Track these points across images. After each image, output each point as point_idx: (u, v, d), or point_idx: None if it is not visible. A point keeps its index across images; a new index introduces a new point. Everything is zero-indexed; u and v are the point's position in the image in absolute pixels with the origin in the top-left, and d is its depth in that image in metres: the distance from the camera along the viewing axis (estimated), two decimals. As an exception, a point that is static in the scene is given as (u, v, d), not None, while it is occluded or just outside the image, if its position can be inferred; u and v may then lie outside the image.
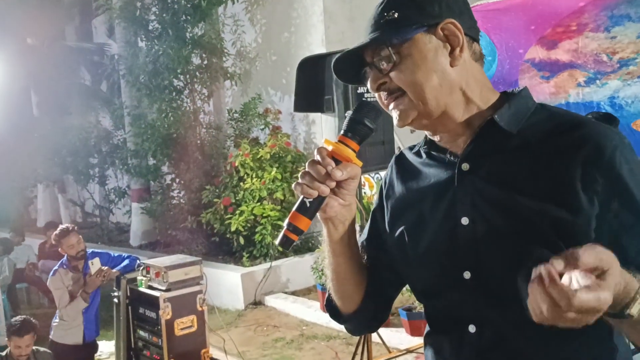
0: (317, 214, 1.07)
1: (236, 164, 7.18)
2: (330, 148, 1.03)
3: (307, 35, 7.58)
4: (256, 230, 6.93)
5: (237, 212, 7.05)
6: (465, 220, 1.05)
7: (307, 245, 7.55)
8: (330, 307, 1.28)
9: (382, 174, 6.02)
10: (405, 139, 6.62)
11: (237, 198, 7.22)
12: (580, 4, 3.84)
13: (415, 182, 1.16)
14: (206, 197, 7.51)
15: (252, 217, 6.94)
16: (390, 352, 3.99)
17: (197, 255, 7.55)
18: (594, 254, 0.79)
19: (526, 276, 0.84)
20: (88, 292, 3.99)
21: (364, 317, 1.26)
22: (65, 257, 4.17)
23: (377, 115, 1.07)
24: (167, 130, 8.02)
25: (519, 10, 4.17)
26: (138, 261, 4.05)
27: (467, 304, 1.05)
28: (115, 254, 4.36)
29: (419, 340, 4.42)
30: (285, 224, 1.03)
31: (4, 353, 3.63)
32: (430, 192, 1.12)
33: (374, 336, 4.07)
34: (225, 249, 7.56)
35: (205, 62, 8.11)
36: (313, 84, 3.60)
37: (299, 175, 1.04)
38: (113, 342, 4.19)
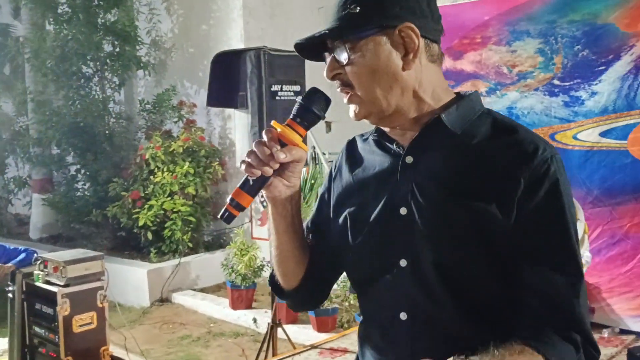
0: (263, 192, 1.12)
1: (146, 157, 6.98)
2: (278, 130, 1.07)
3: (226, 30, 7.50)
4: (166, 225, 6.77)
5: (146, 206, 6.85)
6: (403, 210, 1.09)
7: (218, 242, 7.47)
8: (273, 283, 1.32)
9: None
10: (319, 137, 6.71)
11: (146, 192, 7.02)
12: (485, 17, 4.06)
13: (361, 170, 1.21)
14: (113, 189, 7.25)
15: (162, 212, 6.77)
16: (295, 347, 4.04)
17: (102, 250, 7.27)
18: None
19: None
20: None
21: (304, 295, 1.30)
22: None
23: (326, 103, 1.12)
24: (73, 119, 7.66)
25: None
26: (35, 255, 3.86)
27: (400, 292, 1.10)
28: (11, 247, 4.14)
29: (325, 336, 4.50)
30: (228, 199, 1.08)
31: None
32: (374, 180, 1.16)
33: (280, 333, 4.10)
34: (133, 244, 7.33)
35: (118, 49, 7.82)
36: (227, 79, 3.58)
37: (246, 153, 1.08)
38: (7, 339, 3.96)
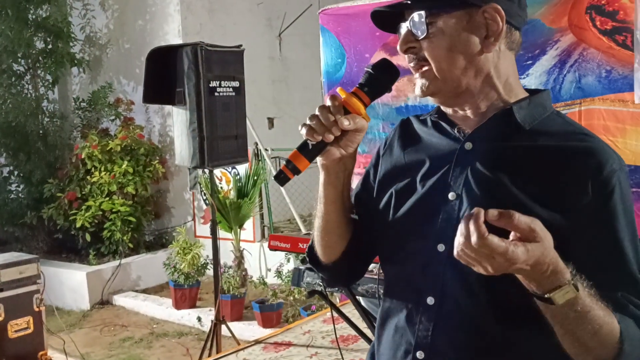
0: (317, 159, 1.09)
1: (83, 156, 6.79)
2: (343, 97, 1.04)
3: (163, 25, 7.36)
4: (105, 226, 6.61)
5: (84, 207, 6.67)
6: (452, 196, 1.06)
7: (160, 242, 7.35)
8: (311, 255, 1.28)
9: (239, 168, 6.01)
10: (262, 133, 6.69)
11: (83, 192, 6.83)
12: (420, 14, 4.15)
13: (414, 149, 1.17)
14: (48, 190, 7.02)
15: (100, 212, 6.61)
16: (239, 344, 4.04)
17: (38, 253, 7.03)
18: (530, 221, 0.86)
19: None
20: None
21: (341, 270, 1.27)
22: None
23: (395, 75, 1.09)
24: (4, 118, 7.35)
25: (365, 16, 4.42)
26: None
27: (432, 276, 1.07)
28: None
29: (270, 331, 4.52)
30: (284, 161, 1.05)
31: None
32: (427, 161, 1.13)
33: (225, 330, 4.09)
34: (70, 246, 7.11)
35: (50, 46, 7.55)
36: (163, 75, 3.53)
37: (308, 117, 1.04)
38: None
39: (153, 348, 5.29)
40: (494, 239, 0.84)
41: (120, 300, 6.42)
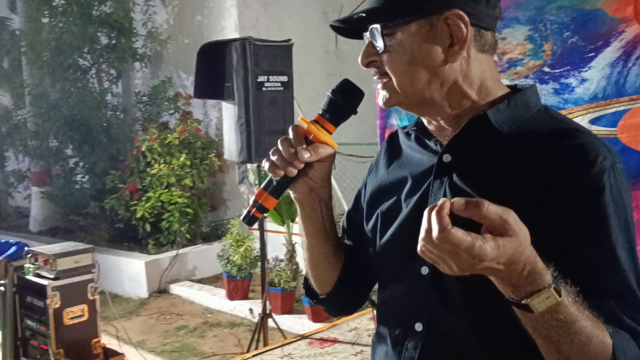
0: (291, 193, 1.06)
1: (143, 149, 6.99)
2: (305, 127, 1.00)
3: (220, 20, 7.47)
4: (163, 217, 6.79)
5: (144, 198, 6.87)
6: None
7: (215, 233, 7.49)
8: (306, 287, 1.24)
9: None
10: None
11: (143, 184, 7.04)
12: (474, 5, 4.02)
13: (397, 166, 1.11)
14: (111, 182, 7.28)
15: (159, 203, 6.79)
16: (285, 338, 4.06)
17: (100, 242, 7.32)
18: (501, 211, 0.76)
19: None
20: None
21: (339, 300, 1.22)
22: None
23: (358, 96, 1.02)
24: (70, 111, 7.67)
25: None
26: (26, 248, 3.88)
27: (419, 301, 1.00)
28: (2, 241, 4.16)
29: (319, 326, 4.52)
30: (251, 201, 1.00)
31: None
32: (409, 179, 1.05)
33: (271, 323, 4.12)
34: (130, 235, 7.36)
35: (114, 41, 7.81)
36: (214, 70, 3.56)
37: (270, 151, 1.00)
38: (-1, 332, 4.00)
39: (206, 337, 5.39)
40: (458, 232, 0.75)
41: (176, 289, 6.59)
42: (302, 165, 0.99)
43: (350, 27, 1.03)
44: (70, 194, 7.92)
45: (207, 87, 3.61)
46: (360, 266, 1.16)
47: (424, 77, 0.95)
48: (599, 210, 0.89)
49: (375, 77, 1.02)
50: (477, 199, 0.77)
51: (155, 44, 8.25)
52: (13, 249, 3.97)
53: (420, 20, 0.94)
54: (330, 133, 1.01)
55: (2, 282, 3.80)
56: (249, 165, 6.21)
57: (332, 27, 1.04)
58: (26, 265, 3.67)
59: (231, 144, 3.65)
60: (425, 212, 0.78)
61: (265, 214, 1.01)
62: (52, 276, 3.52)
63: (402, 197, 1.05)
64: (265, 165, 1.00)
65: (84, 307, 3.62)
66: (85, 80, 7.93)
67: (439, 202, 0.77)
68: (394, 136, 1.16)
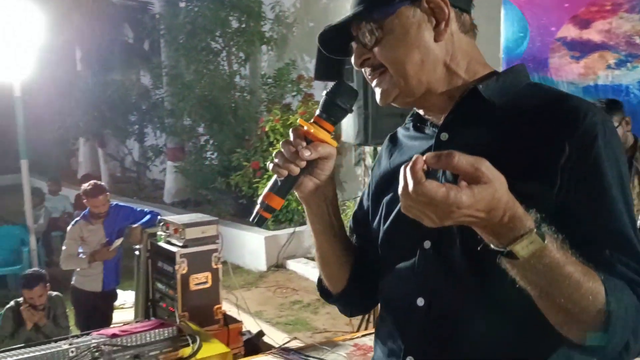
0: (296, 193, 1.09)
1: (266, 129, 7.27)
2: (304, 128, 1.04)
3: (345, 3, 7.47)
4: (282, 195, 7.02)
5: (265, 176, 7.16)
6: None
7: (332, 213, 7.62)
8: (320, 287, 1.26)
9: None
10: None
11: (266, 162, 7.31)
12: (616, -18, 3.72)
13: (399, 156, 1.14)
14: (236, 159, 7.65)
15: (279, 182, 7.02)
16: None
17: (225, 215, 7.74)
18: (473, 160, 0.78)
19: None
20: (96, 259, 4.23)
21: (352, 299, 1.24)
22: (87, 210, 4.37)
23: (351, 96, 1.06)
24: (202, 92, 8.14)
25: (552, -13, 4.05)
26: (159, 217, 4.19)
27: (421, 276, 1.03)
28: (138, 209, 4.53)
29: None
30: (258, 202, 1.05)
31: (13, 303, 3.85)
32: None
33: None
34: (252, 211, 7.68)
35: (243, 25, 8.14)
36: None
37: (274, 154, 1.04)
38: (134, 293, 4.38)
39: (319, 314, 5.55)
40: (432, 184, 0.77)
41: (292, 265, 6.82)
42: (303, 164, 1.02)
43: (335, 42, 1.08)
44: (200, 170, 8.43)
45: (328, 69, 3.65)
46: (370, 265, 1.17)
47: (417, 58, 1.00)
48: (592, 160, 0.91)
49: (369, 77, 1.06)
50: (449, 151, 0.79)
51: (282, 28, 8.49)
52: (148, 217, 4.32)
53: (405, 6, 1.00)
54: (329, 132, 1.04)
55: (138, 246, 4.15)
56: (365, 148, 6.22)
57: (318, 40, 1.10)
58: (158, 233, 3.97)
59: (349, 126, 3.68)
60: (401, 170, 0.80)
61: (272, 214, 1.05)
62: (180, 244, 3.78)
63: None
64: (270, 166, 1.03)
65: (208, 274, 3.84)
66: (216, 62, 8.35)
67: (413, 159, 0.79)
68: (393, 134, 1.21)
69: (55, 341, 2.84)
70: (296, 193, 1.09)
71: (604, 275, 0.85)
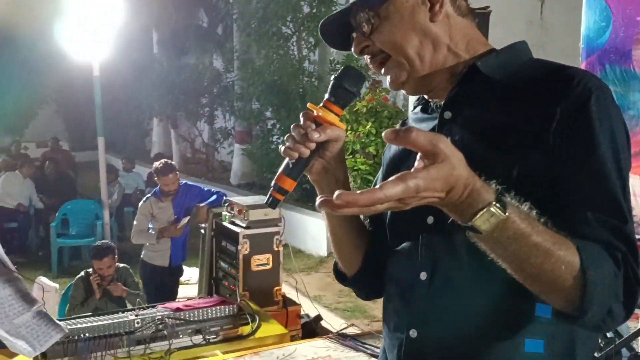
0: (308, 176, 1.13)
1: (333, 115, 7.27)
2: (314, 112, 1.07)
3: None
4: (346, 182, 7.03)
5: (330, 162, 7.17)
6: None
7: (395, 202, 7.57)
8: (336, 270, 1.30)
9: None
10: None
11: (331, 148, 7.35)
12: None
13: None
14: (302, 144, 7.70)
15: (343, 169, 7.03)
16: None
17: (288, 199, 7.83)
18: (431, 137, 0.78)
19: None
20: (164, 236, 4.38)
21: (366, 282, 1.26)
22: (158, 187, 4.53)
23: (358, 80, 1.09)
24: (271, 77, 8.23)
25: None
26: (224, 198, 4.30)
27: (424, 250, 1.05)
28: (206, 189, 4.66)
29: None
30: (272, 184, 1.08)
31: (83, 273, 4.05)
32: None
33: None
34: (316, 196, 7.72)
35: (314, 10, 8.16)
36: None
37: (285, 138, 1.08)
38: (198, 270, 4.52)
39: (377, 302, 5.43)
40: (389, 191, 0.75)
41: (353, 252, 6.83)
42: (313, 146, 1.05)
43: (336, 35, 1.11)
44: (266, 154, 8.57)
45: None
46: (385, 249, 1.18)
47: (416, 40, 1.04)
48: (582, 122, 0.92)
49: (371, 64, 1.09)
50: (407, 127, 0.79)
51: (353, 13, 8.45)
52: (214, 197, 4.43)
53: None
54: (338, 115, 1.07)
55: (204, 225, 4.27)
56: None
57: (322, 35, 1.14)
58: (224, 213, 4.07)
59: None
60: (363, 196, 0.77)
61: (285, 195, 1.07)
62: (244, 225, 3.86)
63: (411, 162, 1.07)
64: (281, 149, 1.06)
65: (269, 256, 3.91)
66: (286, 47, 8.42)
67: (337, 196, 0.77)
68: (405, 119, 1.24)
69: (123, 311, 2.97)
70: (308, 175, 1.12)
71: (580, 243, 0.85)
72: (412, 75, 1.07)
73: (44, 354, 2.54)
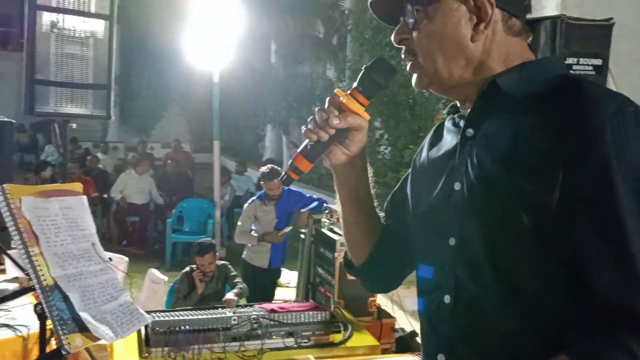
0: (327, 160, 1.14)
1: (441, 127, 7.15)
2: (340, 98, 1.08)
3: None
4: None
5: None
6: (457, 186, 1.01)
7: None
8: (345, 259, 1.31)
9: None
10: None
11: (438, 161, 7.23)
12: None
13: (436, 148, 1.14)
14: (409, 156, 7.64)
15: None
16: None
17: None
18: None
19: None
20: (265, 240, 4.52)
21: (373, 272, 1.27)
22: (263, 191, 4.69)
23: (388, 73, 1.09)
24: (383, 87, 8.25)
25: None
26: (325, 205, 4.36)
27: (447, 273, 1.02)
28: (307, 195, 4.76)
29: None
30: (289, 163, 1.11)
31: (188, 268, 4.26)
32: (443, 158, 1.09)
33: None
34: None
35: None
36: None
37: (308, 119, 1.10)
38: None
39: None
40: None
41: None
42: (332, 131, 1.05)
43: (387, 10, 1.08)
44: (372, 163, 8.53)
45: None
46: (398, 244, 1.19)
47: (449, 53, 1.00)
48: (594, 164, 0.82)
49: (404, 57, 1.06)
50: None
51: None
52: (315, 203, 4.51)
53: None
54: (364, 105, 1.07)
55: (304, 231, 4.35)
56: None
57: (372, 7, 1.10)
58: (323, 220, 4.12)
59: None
60: None
61: (300, 175, 1.09)
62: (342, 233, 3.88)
63: (436, 176, 1.08)
64: (302, 130, 1.07)
65: (366, 266, 3.91)
66: (398, 58, 8.38)
67: None
68: (441, 125, 1.18)
69: (222, 308, 3.11)
70: (326, 161, 1.14)
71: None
72: (434, 82, 1.05)
73: (147, 342, 2.72)
